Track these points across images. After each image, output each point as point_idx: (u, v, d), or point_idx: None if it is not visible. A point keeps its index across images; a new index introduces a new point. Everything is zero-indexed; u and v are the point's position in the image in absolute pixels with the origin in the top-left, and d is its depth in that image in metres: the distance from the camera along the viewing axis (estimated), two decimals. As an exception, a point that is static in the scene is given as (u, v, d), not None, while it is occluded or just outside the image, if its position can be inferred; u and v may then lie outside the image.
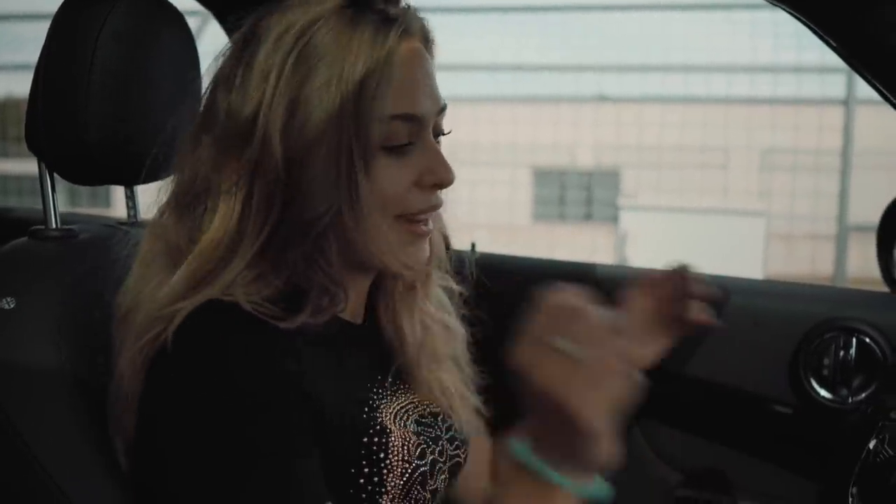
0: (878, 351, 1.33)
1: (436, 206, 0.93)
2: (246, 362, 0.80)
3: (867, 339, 1.34)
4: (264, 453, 0.78)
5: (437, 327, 1.04)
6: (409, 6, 0.92)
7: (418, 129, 0.90)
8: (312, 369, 0.84)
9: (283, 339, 0.82)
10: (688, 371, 1.45)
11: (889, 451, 0.96)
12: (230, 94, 0.86)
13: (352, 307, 0.97)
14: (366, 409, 0.90)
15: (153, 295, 0.84)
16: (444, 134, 0.96)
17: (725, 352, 1.44)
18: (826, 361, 1.35)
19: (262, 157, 0.84)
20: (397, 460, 0.89)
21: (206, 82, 0.92)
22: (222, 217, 0.85)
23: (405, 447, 0.91)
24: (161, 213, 0.91)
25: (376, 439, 0.89)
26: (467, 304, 1.09)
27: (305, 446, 0.81)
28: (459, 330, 1.07)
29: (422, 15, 0.93)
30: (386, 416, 0.92)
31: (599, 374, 0.74)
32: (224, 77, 0.88)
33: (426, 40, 0.93)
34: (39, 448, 0.86)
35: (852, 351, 1.34)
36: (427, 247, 0.95)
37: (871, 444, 0.98)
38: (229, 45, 0.90)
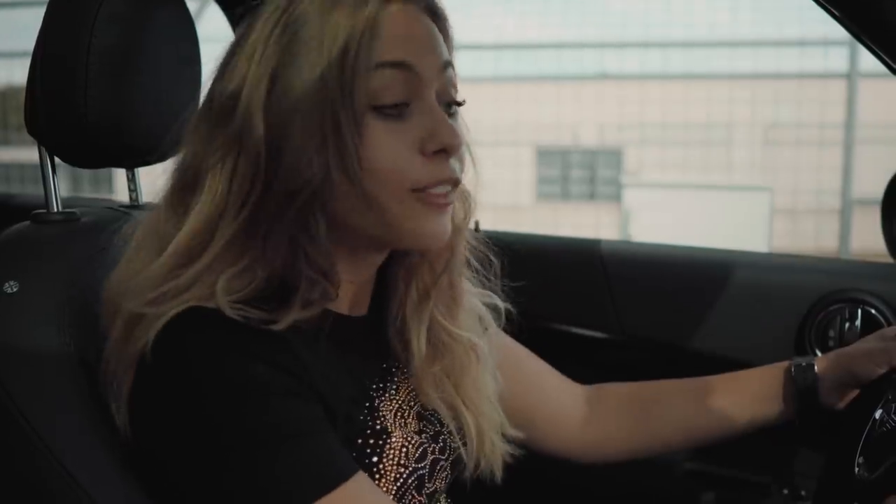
0: (883, 322, 1.33)
1: (448, 178, 0.84)
2: (235, 365, 0.76)
3: (872, 311, 1.34)
4: (274, 437, 0.75)
5: (458, 348, 0.96)
6: None
7: (413, 85, 0.83)
8: (309, 366, 0.81)
9: (275, 340, 0.79)
10: (694, 345, 1.45)
11: (895, 420, 0.96)
12: (221, 78, 0.84)
13: (351, 299, 0.92)
14: (365, 409, 0.87)
15: (137, 283, 0.82)
16: (458, 104, 0.88)
17: (731, 325, 1.44)
18: (832, 333, 1.35)
19: (244, 132, 0.81)
20: (392, 465, 0.86)
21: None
22: (207, 194, 0.82)
23: (404, 449, 0.87)
24: (157, 203, 0.88)
25: (371, 441, 0.85)
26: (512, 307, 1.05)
27: (320, 425, 0.79)
28: (483, 353, 0.99)
29: None
30: (386, 413, 0.89)
31: None
32: (219, 65, 0.86)
33: (432, 12, 0.87)
34: (44, 431, 0.86)
35: (857, 322, 1.34)
36: (449, 220, 0.87)
37: (877, 414, 0.98)
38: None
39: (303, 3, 0.81)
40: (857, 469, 0.95)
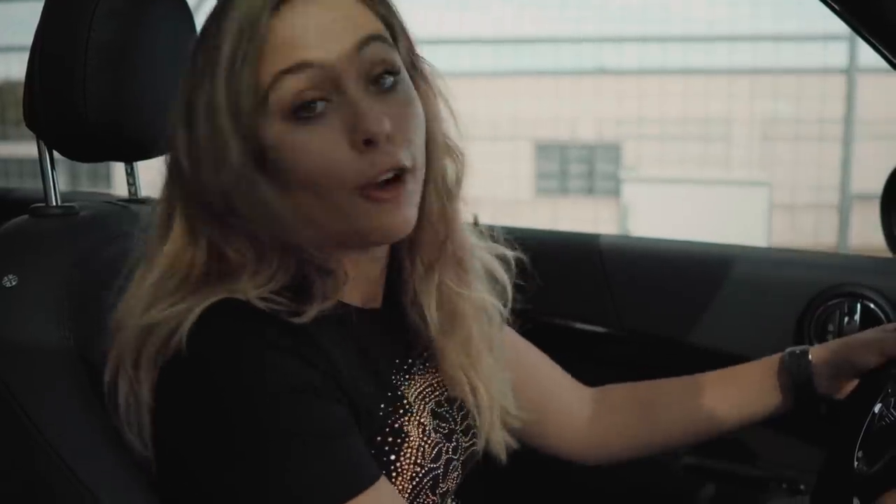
0: (882, 316, 1.34)
1: (389, 166, 0.79)
2: (269, 360, 0.76)
3: (872, 305, 1.34)
4: (303, 438, 0.75)
5: (470, 309, 0.94)
6: None
7: (323, 79, 0.78)
8: (336, 363, 0.81)
9: (303, 334, 0.79)
10: (693, 339, 1.46)
11: (894, 414, 0.96)
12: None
13: (365, 292, 0.91)
14: (382, 406, 0.86)
15: (132, 305, 0.82)
16: (391, 73, 0.81)
17: (730, 320, 1.44)
18: (831, 328, 1.35)
19: (172, 153, 0.82)
20: (409, 464, 0.86)
21: None
22: (175, 235, 0.82)
23: (421, 449, 0.87)
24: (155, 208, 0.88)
25: (390, 439, 0.85)
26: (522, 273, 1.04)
27: (346, 427, 0.79)
28: (496, 313, 0.99)
29: None
30: (404, 411, 0.87)
31: None
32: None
33: None
34: (44, 425, 0.86)
35: (857, 317, 1.34)
36: (406, 210, 0.82)
37: (877, 409, 0.98)
38: None
39: (209, 19, 0.81)
40: (856, 463, 0.95)
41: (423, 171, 0.85)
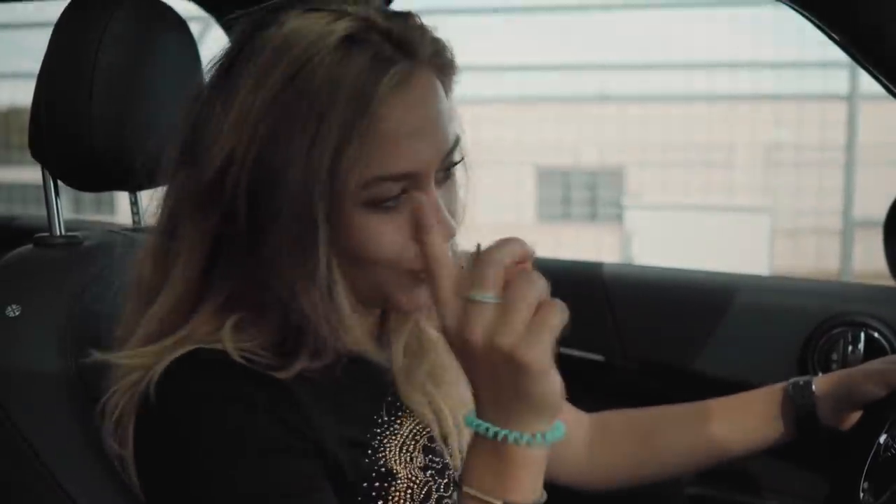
0: (886, 346, 1.33)
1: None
2: (238, 417, 0.75)
3: (875, 334, 1.34)
4: (265, 498, 0.74)
5: (441, 344, 0.93)
6: (420, 26, 0.80)
7: (415, 183, 0.78)
8: (312, 416, 0.79)
9: (278, 389, 0.77)
10: (696, 367, 1.45)
11: (900, 445, 0.95)
12: (208, 126, 0.78)
13: (355, 339, 0.86)
14: (369, 452, 0.84)
15: (133, 336, 0.81)
16: (454, 164, 0.83)
17: (734, 348, 1.43)
18: (834, 357, 1.34)
19: (228, 215, 0.77)
20: None
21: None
22: (185, 267, 0.79)
23: (409, 490, 0.85)
24: (145, 242, 0.86)
25: (377, 484, 0.84)
26: None
27: (315, 484, 0.78)
28: None
29: (436, 34, 0.81)
30: (390, 453, 0.86)
31: (522, 312, 0.67)
32: (206, 101, 0.80)
33: (440, 65, 0.81)
34: (46, 455, 0.85)
35: (860, 346, 1.34)
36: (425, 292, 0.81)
37: (882, 439, 0.97)
38: (219, 56, 0.82)
39: (306, 74, 0.74)
40: (861, 494, 0.94)
41: None
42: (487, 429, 0.70)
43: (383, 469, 0.85)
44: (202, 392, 0.76)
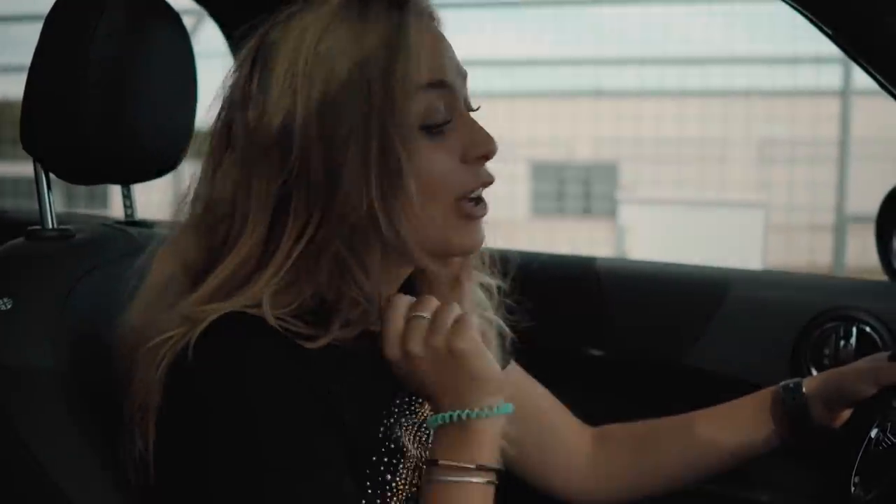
0: (878, 340, 1.33)
1: (488, 181, 0.90)
2: (266, 380, 0.78)
3: (867, 329, 1.34)
4: (288, 466, 0.76)
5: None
6: None
7: (451, 101, 0.88)
8: (336, 387, 0.82)
9: (307, 358, 0.80)
10: (691, 362, 1.45)
11: (891, 439, 0.96)
12: (250, 110, 0.84)
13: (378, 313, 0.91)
14: (383, 426, 0.88)
15: (169, 316, 0.82)
16: (473, 110, 0.93)
17: (728, 343, 1.44)
18: (827, 351, 1.35)
19: (302, 167, 0.82)
20: (404, 484, 0.88)
21: (212, 103, 0.90)
22: (252, 234, 0.83)
23: (417, 470, 0.89)
24: (177, 234, 0.88)
25: (386, 459, 0.87)
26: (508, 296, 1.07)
27: (334, 459, 0.80)
28: (490, 333, 1.02)
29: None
30: (406, 431, 0.90)
31: (446, 319, 0.84)
32: (240, 95, 0.86)
33: (435, 19, 0.92)
34: (38, 449, 0.85)
35: (852, 340, 1.34)
36: (483, 231, 0.92)
37: (873, 433, 0.98)
38: (237, 64, 0.88)
39: (333, 31, 0.83)
40: (853, 488, 0.95)
41: None
42: (451, 416, 0.83)
43: (394, 445, 0.87)
44: (235, 355, 0.79)
